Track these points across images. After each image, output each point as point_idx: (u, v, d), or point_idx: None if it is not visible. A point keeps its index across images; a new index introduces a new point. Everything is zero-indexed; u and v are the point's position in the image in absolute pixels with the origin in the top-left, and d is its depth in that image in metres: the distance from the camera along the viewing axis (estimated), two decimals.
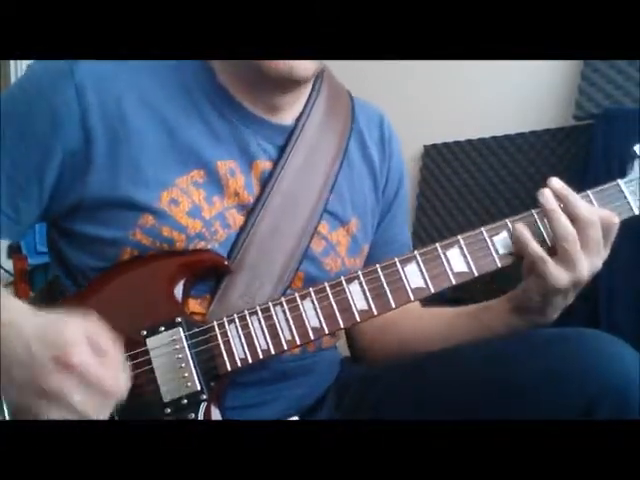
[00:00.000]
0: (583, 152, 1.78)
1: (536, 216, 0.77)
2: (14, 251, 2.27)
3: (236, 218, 0.82)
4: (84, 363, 0.61)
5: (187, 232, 0.78)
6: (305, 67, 0.78)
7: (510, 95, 2.05)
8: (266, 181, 0.84)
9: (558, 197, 0.75)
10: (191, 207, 0.79)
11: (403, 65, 1.96)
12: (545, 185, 0.78)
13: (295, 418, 0.85)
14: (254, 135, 0.84)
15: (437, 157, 2.19)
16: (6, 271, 2.24)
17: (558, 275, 0.74)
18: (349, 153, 0.92)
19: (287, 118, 0.87)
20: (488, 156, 2.09)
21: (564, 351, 0.72)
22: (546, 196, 0.75)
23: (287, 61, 0.76)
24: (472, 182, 2.12)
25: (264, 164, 0.84)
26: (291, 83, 0.81)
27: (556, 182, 0.76)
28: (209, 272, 0.80)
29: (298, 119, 0.88)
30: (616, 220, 0.75)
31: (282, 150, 0.86)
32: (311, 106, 0.89)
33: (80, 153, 0.77)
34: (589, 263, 0.74)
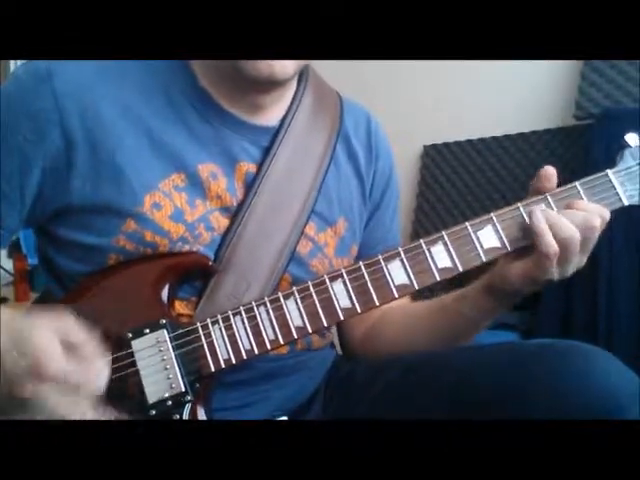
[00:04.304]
0: (583, 152, 1.78)
1: (522, 210, 0.77)
2: (14, 251, 2.27)
3: (220, 221, 0.81)
4: (56, 370, 0.62)
5: (170, 236, 0.78)
6: (285, 67, 0.78)
7: (510, 95, 2.06)
8: (251, 182, 0.83)
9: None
10: (173, 211, 0.78)
11: (403, 65, 1.96)
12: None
13: (283, 418, 0.85)
14: (237, 137, 0.83)
15: (437, 157, 2.19)
16: (6, 271, 2.24)
17: (552, 269, 0.74)
18: (335, 154, 0.91)
19: (271, 119, 0.87)
20: (488, 156, 2.09)
21: (551, 363, 0.71)
22: (538, 217, 0.74)
23: (268, 62, 0.76)
24: (472, 182, 2.12)
25: (248, 166, 0.84)
26: (272, 84, 0.80)
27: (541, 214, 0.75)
28: (195, 274, 0.80)
29: (283, 120, 0.87)
30: (607, 217, 0.74)
31: (267, 151, 0.85)
32: (296, 106, 0.89)
33: (61, 159, 0.76)
34: (578, 263, 0.75)
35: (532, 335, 1.75)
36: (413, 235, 2.22)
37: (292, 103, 0.89)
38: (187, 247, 0.78)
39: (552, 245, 0.72)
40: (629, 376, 0.69)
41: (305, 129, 0.89)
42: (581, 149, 1.83)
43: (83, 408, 0.65)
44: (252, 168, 0.84)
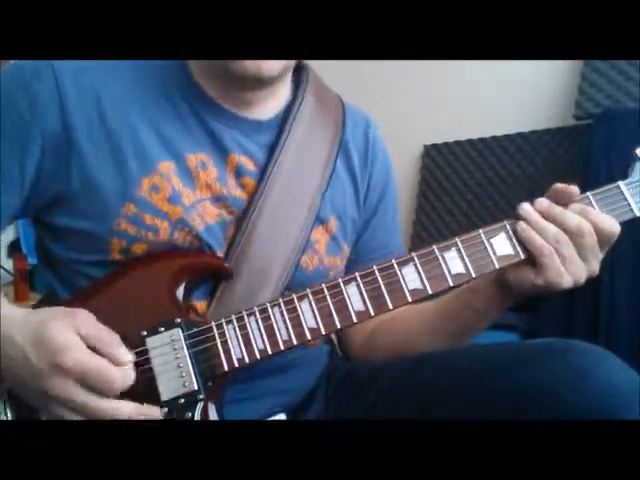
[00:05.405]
0: (583, 152, 1.78)
1: None
2: (14, 251, 2.27)
3: (210, 210, 0.82)
4: (79, 363, 0.65)
5: (169, 218, 0.79)
6: (271, 67, 0.79)
7: (510, 95, 2.06)
8: (258, 181, 0.85)
9: (544, 214, 0.76)
10: (171, 193, 0.80)
11: (403, 65, 1.96)
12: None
13: (282, 415, 0.86)
14: (228, 130, 0.85)
15: (437, 157, 2.19)
16: (6, 271, 2.24)
17: (560, 274, 0.74)
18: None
19: (263, 113, 0.88)
20: (488, 156, 2.09)
21: (552, 363, 0.71)
22: (527, 211, 0.77)
23: (255, 61, 0.77)
24: (472, 182, 2.12)
25: (239, 158, 0.85)
26: (259, 82, 0.82)
27: (542, 201, 0.77)
28: (210, 274, 0.81)
29: (283, 122, 0.89)
30: (617, 229, 0.75)
31: (269, 151, 0.87)
32: (297, 109, 0.90)
33: (60, 141, 0.78)
34: (587, 268, 0.75)
35: (532, 335, 1.75)
36: (414, 235, 2.22)
37: (292, 104, 0.90)
38: (187, 229, 0.80)
39: (544, 245, 0.74)
40: (630, 375, 0.69)
41: (307, 132, 0.90)
42: (581, 149, 1.83)
43: (114, 404, 0.67)
44: (243, 160, 0.85)
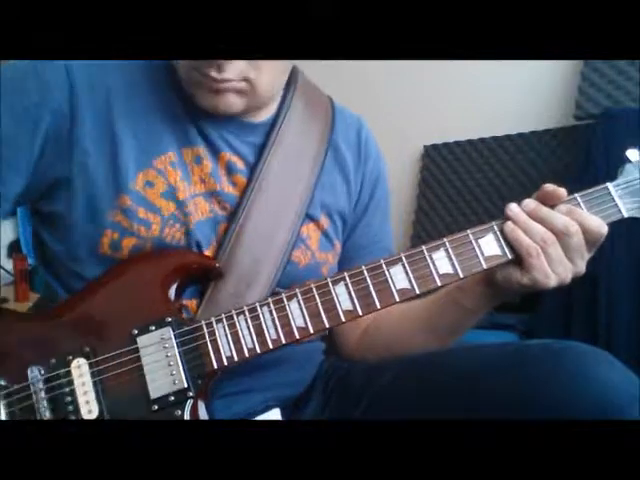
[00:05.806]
0: (583, 152, 1.79)
1: None
2: (14, 251, 2.27)
3: (202, 205, 0.84)
4: None
5: (161, 213, 0.81)
6: (229, 105, 0.81)
7: (510, 95, 2.06)
8: (248, 179, 0.86)
9: (531, 215, 0.77)
10: (165, 189, 0.82)
11: (404, 66, 1.97)
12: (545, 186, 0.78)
13: (277, 409, 0.87)
14: (220, 131, 0.86)
15: (437, 157, 2.20)
16: (6, 271, 2.24)
17: (546, 274, 0.75)
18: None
19: (256, 116, 0.89)
20: (488, 156, 2.09)
21: (551, 364, 0.71)
22: (514, 211, 0.77)
23: (211, 100, 0.80)
24: (472, 183, 2.13)
25: (229, 156, 0.86)
26: (226, 115, 0.84)
27: (530, 202, 0.78)
28: (200, 274, 0.82)
29: (273, 124, 0.90)
30: (604, 230, 0.75)
31: (258, 152, 0.88)
32: (285, 111, 0.91)
33: (64, 127, 0.79)
34: (573, 268, 0.76)
35: (531, 336, 1.75)
36: (414, 236, 2.22)
37: (281, 107, 0.91)
38: (178, 225, 0.81)
39: (531, 245, 0.75)
40: (628, 377, 0.69)
41: (296, 132, 0.91)
42: (581, 149, 1.83)
43: None
44: (234, 159, 0.87)
